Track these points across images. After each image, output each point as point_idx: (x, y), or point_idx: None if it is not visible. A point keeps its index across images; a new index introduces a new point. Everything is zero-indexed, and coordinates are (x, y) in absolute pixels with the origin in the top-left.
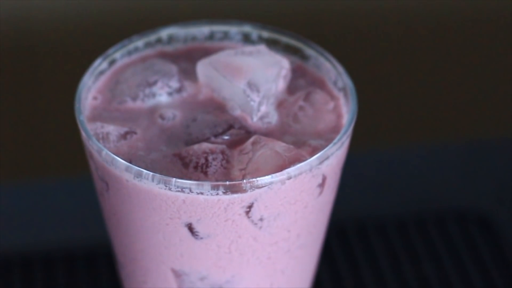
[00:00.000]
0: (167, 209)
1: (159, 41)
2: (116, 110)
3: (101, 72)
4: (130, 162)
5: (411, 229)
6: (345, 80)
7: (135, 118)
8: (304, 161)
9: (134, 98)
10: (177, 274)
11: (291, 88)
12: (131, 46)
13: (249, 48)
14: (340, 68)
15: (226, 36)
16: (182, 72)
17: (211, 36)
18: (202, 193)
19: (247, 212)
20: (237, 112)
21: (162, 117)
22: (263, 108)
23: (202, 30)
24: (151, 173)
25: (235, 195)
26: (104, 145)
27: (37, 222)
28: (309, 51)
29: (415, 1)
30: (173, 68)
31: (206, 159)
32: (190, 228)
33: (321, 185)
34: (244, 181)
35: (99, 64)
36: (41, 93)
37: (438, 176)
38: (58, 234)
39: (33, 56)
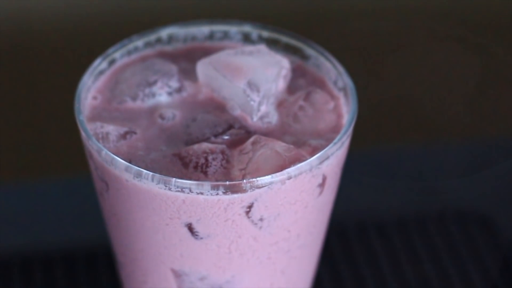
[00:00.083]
0: (167, 209)
1: (159, 41)
2: (115, 110)
3: (101, 72)
4: (130, 162)
5: (411, 229)
6: (345, 80)
7: (135, 118)
8: (304, 161)
9: (134, 98)
10: (177, 274)
11: (291, 88)
12: (131, 46)
13: (249, 48)
14: (340, 68)
15: (226, 35)
16: (182, 72)
17: (211, 36)
18: (202, 193)
19: (247, 212)
20: (237, 112)
21: (162, 117)
22: (263, 108)
23: (202, 29)
24: (151, 173)
25: (235, 195)
26: (104, 145)
27: (37, 222)
28: (309, 50)
29: (415, 1)
30: (173, 68)
31: (206, 159)
32: (190, 228)
33: (321, 185)
34: (244, 181)
35: (99, 64)
36: (40, 93)
37: (438, 176)
38: (58, 234)
39: (32, 56)
